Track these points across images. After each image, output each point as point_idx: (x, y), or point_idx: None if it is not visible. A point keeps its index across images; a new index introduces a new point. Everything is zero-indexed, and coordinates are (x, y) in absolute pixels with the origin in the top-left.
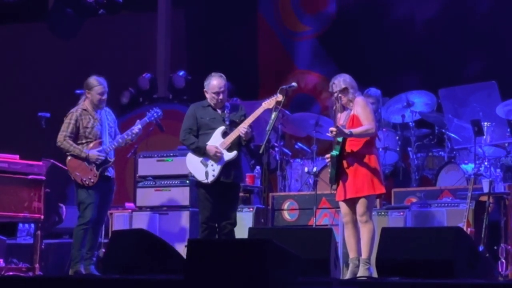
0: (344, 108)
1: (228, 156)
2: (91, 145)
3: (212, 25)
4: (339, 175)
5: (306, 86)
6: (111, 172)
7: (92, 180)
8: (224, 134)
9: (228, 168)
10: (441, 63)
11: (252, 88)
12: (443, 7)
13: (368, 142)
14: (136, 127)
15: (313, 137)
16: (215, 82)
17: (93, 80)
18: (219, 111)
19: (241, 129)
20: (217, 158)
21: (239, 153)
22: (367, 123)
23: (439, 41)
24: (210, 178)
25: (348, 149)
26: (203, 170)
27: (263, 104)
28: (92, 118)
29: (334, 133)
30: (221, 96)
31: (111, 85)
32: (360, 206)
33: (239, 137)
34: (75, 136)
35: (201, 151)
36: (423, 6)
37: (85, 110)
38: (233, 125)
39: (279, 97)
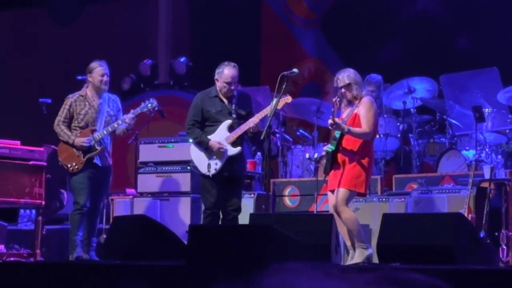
0: (349, 103)
1: (232, 151)
2: (81, 132)
3: (214, 11)
4: (332, 167)
5: (312, 73)
6: (99, 160)
7: (76, 167)
8: (230, 128)
9: (230, 162)
10: (442, 49)
11: (253, 74)
12: None
13: (364, 144)
14: (127, 117)
15: (314, 124)
16: (228, 72)
17: (93, 63)
18: (226, 102)
19: (251, 123)
20: (220, 154)
21: (243, 147)
22: (366, 127)
23: (440, 27)
24: (212, 171)
25: (343, 145)
26: (206, 162)
27: (272, 102)
28: (89, 105)
29: (333, 126)
30: (232, 87)
31: (112, 71)
32: (337, 196)
33: (245, 131)
34: (70, 121)
35: (203, 145)
36: None
37: (82, 96)
38: (240, 118)
39: (289, 98)
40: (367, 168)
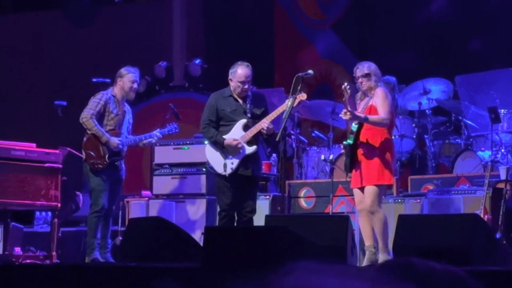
0: (365, 95)
1: (248, 150)
2: (111, 133)
3: (229, 13)
4: (353, 164)
5: (325, 74)
6: (121, 162)
7: (100, 166)
8: (245, 127)
9: (246, 161)
10: (458, 50)
11: (268, 76)
12: None
13: (383, 133)
14: (155, 136)
15: (330, 125)
16: (241, 72)
17: (126, 68)
18: (241, 102)
19: (263, 125)
20: (237, 150)
21: (258, 146)
22: (383, 114)
23: (455, 28)
24: (228, 171)
25: (363, 138)
26: (222, 162)
27: (286, 101)
28: (118, 107)
29: (347, 115)
30: (246, 86)
31: None
32: (368, 196)
33: (260, 131)
34: (100, 117)
35: (219, 145)
36: None
37: (114, 97)
38: (255, 117)
39: (304, 95)
40: (390, 158)
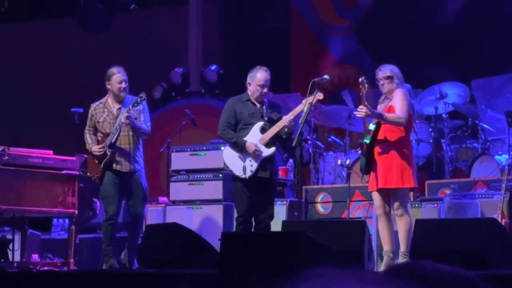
0: (386, 98)
1: (267, 152)
2: (99, 139)
3: (245, 19)
4: (370, 165)
5: (343, 79)
6: (121, 166)
7: (97, 175)
8: (263, 130)
9: (265, 163)
10: (474, 54)
11: (284, 81)
12: None
13: (401, 133)
14: (122, 117)
15: (346, 130)
16: (261, 75)
17: (111, 70)
18: (258, 106)
19: (286, 120)
20: (256, 156)
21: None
22: (400, 113)
23: (472, 32)
24: (248, 173)
25: (380, 141)
26: (241, 165)
27: (303, 101)
28: (107, 111)
29: (363, 110)
30: (265, 90)
31: (143, 80)
32: (394, 200)
33: (277, 133)
34: (95, 130)
35: (239, 147)
36: None
37: (102, 103)
38: (271, 122)
39: (320, 95)
40: (409, 160)
